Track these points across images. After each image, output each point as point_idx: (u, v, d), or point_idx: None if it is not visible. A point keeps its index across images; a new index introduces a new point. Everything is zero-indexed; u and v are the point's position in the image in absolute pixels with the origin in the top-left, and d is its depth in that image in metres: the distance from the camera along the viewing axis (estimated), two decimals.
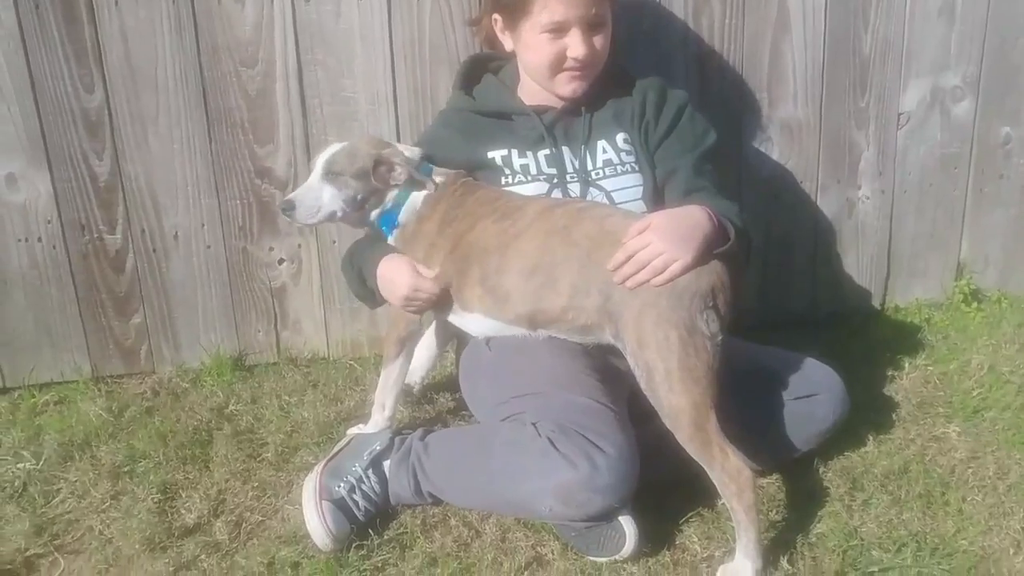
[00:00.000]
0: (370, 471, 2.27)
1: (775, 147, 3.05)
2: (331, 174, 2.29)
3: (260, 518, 2.31)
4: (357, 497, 2.22)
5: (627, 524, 2.07)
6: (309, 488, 2.23)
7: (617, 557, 2.08)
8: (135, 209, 2.82)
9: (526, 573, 2.11)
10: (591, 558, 2.11)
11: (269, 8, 2.68)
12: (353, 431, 2.48)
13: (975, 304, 3.28)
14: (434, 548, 2.17)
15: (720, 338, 2.03)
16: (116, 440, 2.63)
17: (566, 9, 2.31)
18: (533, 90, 2.49)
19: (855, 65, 3.01)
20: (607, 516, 2.06)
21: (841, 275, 3.25)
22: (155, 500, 2.36)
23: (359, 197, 2.31)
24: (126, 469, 2.50)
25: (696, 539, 2.17)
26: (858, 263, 3.25)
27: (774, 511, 2.27)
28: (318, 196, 2.29)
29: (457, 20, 2.76)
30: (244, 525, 2.29)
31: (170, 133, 2.76)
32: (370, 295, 2.47)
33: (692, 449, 2.02)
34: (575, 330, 2.17)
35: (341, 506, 2.19)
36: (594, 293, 2.10)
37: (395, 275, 2.32)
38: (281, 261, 2.95)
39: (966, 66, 3.07)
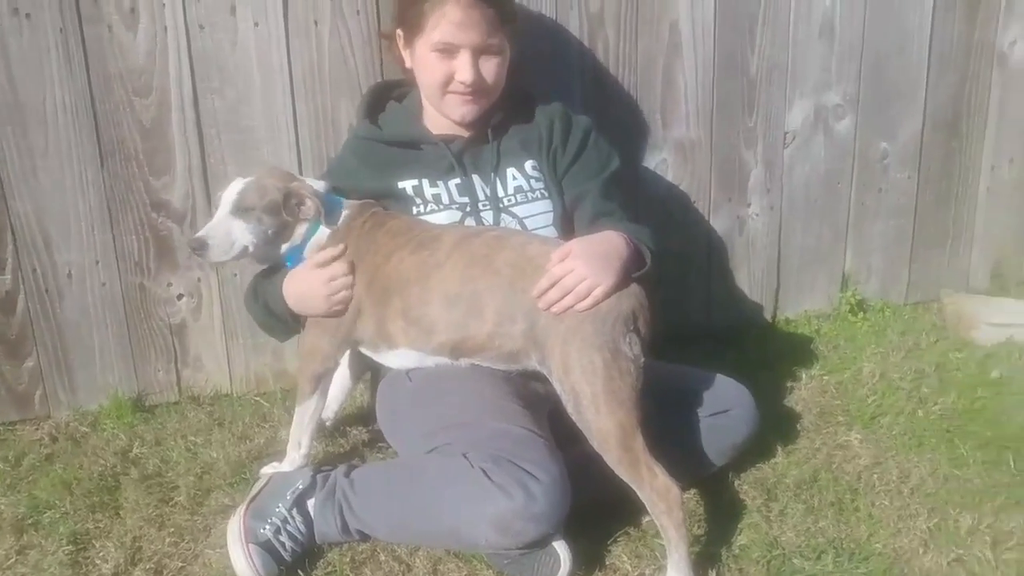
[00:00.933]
0: (294, 511, 2.20)
1: (669, 167, 3.13)
2: (241, 209, 2.23)
3: (180, 564, 2.22)
4: (283, 538, 2.15)
5: (561, 549, 2.07)
6: (234, 531, 2.16)
7: None
8: (25, 247, 2.68)
9: None
10: None
11: (163, 36, 2.60)
12: (267, 471, 2.43)
13: (861, 314, 3.43)
14: None
15: (642, 360, 2.07)
16: (16, 491, 2.49)
17: (457, 32, 2.32)
18: (438, 119, 2.49)
19: (743, 86, 3.12)
20: (542, 543, 2.06)
21: (734, 290, 3.35)
22: (66, 552, 2.23)
23: (270, 232, 2.27)
24: (30, 521, 2.36)
25: (626, 558, 2.19)
26: (750, 278, 3.36)
27: (696, 526, 2.31)
28: (229, 232, 2.23)
29: (357, 45, 2.73)
30: (165, 572, 2.19)
31: (60, 167, 2.64)
32: (279, 325, 2.42)
33: (621, 470, 2.04)
34: (500, 357, 2.18)
35: (268, 548, 2.13)
36: (519, 320, 2.11)
37: (303, 283, 2.30)
38: (180, 296, 2.85)
39: (846, 85, 3.22)
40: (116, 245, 2.75)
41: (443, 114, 2.46)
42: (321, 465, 2.41)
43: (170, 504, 2.44)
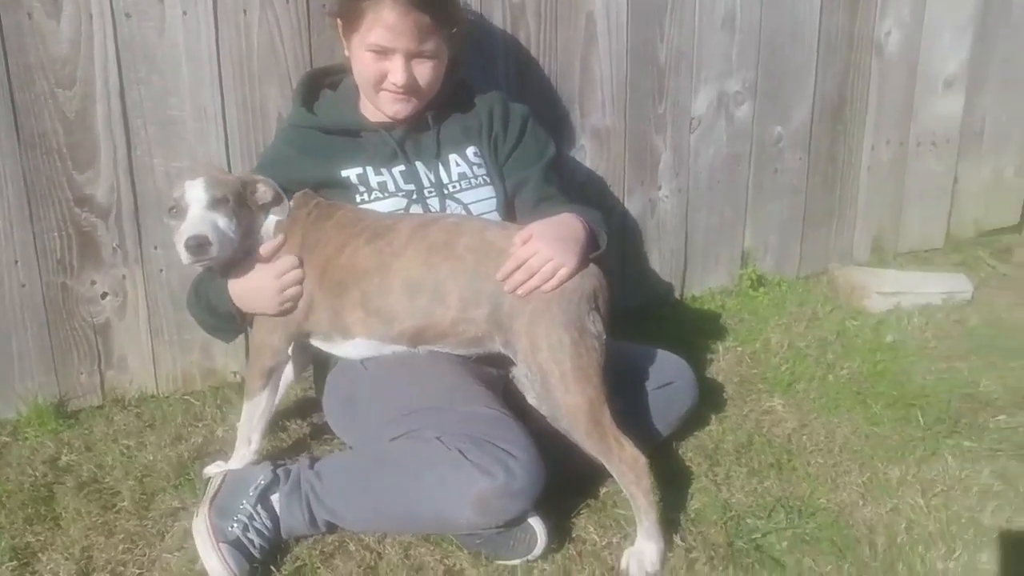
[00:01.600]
0: (259, 507, 2.15)
1: (587, 154, 3.21)
2: (215, 203, 2.16)
3: (137, 571, 2.14)
4: (251, 535, 2.11)
5: (536, 524, 2.11)
6: (202, 532, 2.10)
7: (529, 557, 2.12)
8: None
9: None
10: (502, 562, 2.13)
11: (87, 24, 2.48)
12: (213, 470, 2.39)
13: (761, 288, 3.61)
14: None
15: (604, 336, 2.14)
16: None
17: (390, 36, 2.33)
18: (374, 107, 2.48)
19: (653, 74, 3.23)
20: (519, 520, 2.10)
21: (647, 270, 3.47)
22: (11, 568, 2.12)
23: (243, 223, 2.22)
24: None
25: (592, 529, 2.25)
26: (660, 258, 3.48)
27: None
28: (216, 225, 2.15)
29: (286, 34, 2.69)
30: None
31: None
32: (225, 326, 2.37)
33: (590, 444, 2.10)
34: (463, 342, 2.21)
35: (238, 546, 2.08)
36: (484, 304, 2.14)
37: (252, 281, 2.26)
38: (104, 295, 2.72)
39: (745, 72, 3.38)
40: (36, 243, 2.60)
41: (377, 108, 2.46)
42: (268, 459, 2.38)
43: (114, 510, 2.35)
